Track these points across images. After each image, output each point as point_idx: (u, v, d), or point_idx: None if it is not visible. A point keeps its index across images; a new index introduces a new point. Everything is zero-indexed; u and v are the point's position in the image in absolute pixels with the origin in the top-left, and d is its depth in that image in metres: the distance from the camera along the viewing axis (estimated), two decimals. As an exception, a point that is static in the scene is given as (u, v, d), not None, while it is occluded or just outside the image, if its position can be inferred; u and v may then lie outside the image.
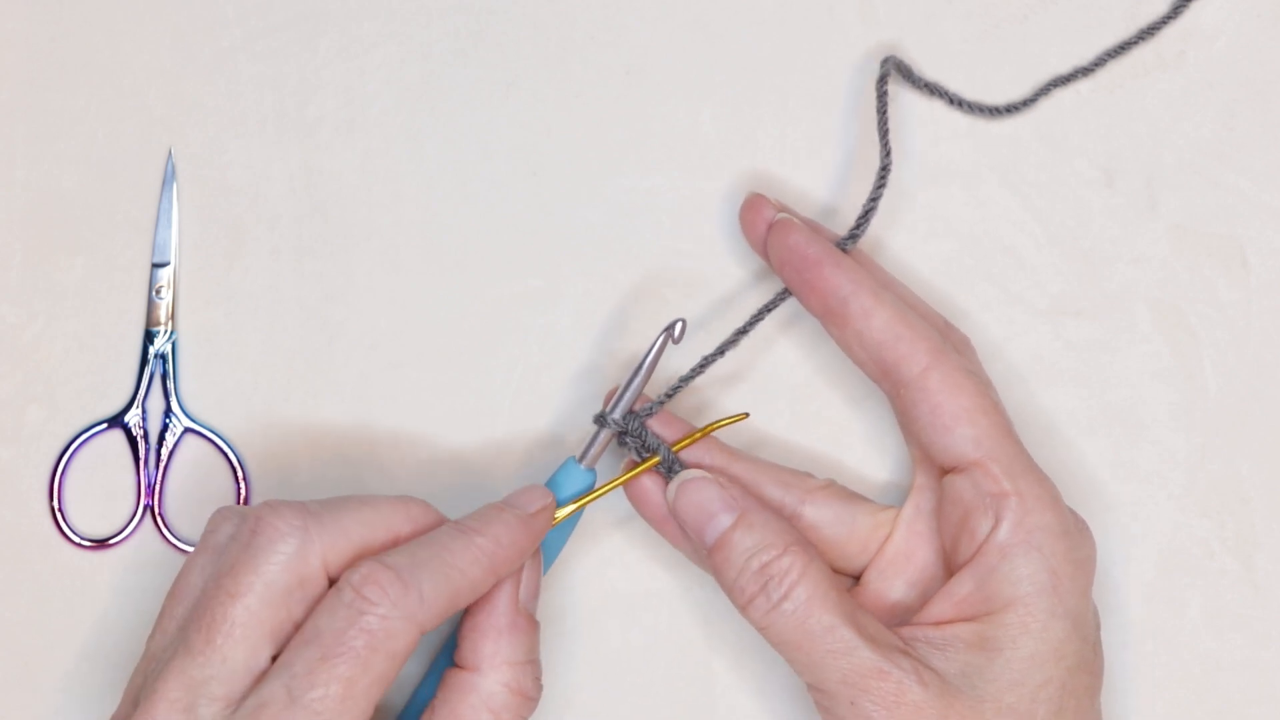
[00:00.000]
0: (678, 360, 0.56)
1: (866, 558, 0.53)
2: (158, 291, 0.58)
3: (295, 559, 0.47)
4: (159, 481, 0.57)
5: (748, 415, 0.55)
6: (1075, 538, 0.50)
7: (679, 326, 0.53)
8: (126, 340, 0.58)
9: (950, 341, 0.53)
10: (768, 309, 0.55)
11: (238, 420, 0.57)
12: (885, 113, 0.55)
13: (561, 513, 0.52)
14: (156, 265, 0.58)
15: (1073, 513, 0.51)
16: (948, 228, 0.58)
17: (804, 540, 0.51)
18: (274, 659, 0.46)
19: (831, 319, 0.52)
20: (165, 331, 0.57)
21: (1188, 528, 0.57)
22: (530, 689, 0.50)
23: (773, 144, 0.58)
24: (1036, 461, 0.52)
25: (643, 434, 0.53)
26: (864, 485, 0.56)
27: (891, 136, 0.55)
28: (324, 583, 0.47)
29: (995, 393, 0.53)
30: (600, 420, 0.53)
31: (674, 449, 0.53)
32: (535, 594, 0.51)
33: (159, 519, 0.57)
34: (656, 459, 0.53)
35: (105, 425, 0.57)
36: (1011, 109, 0.58)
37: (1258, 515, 0.57)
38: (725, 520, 0.51)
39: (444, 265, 0.58)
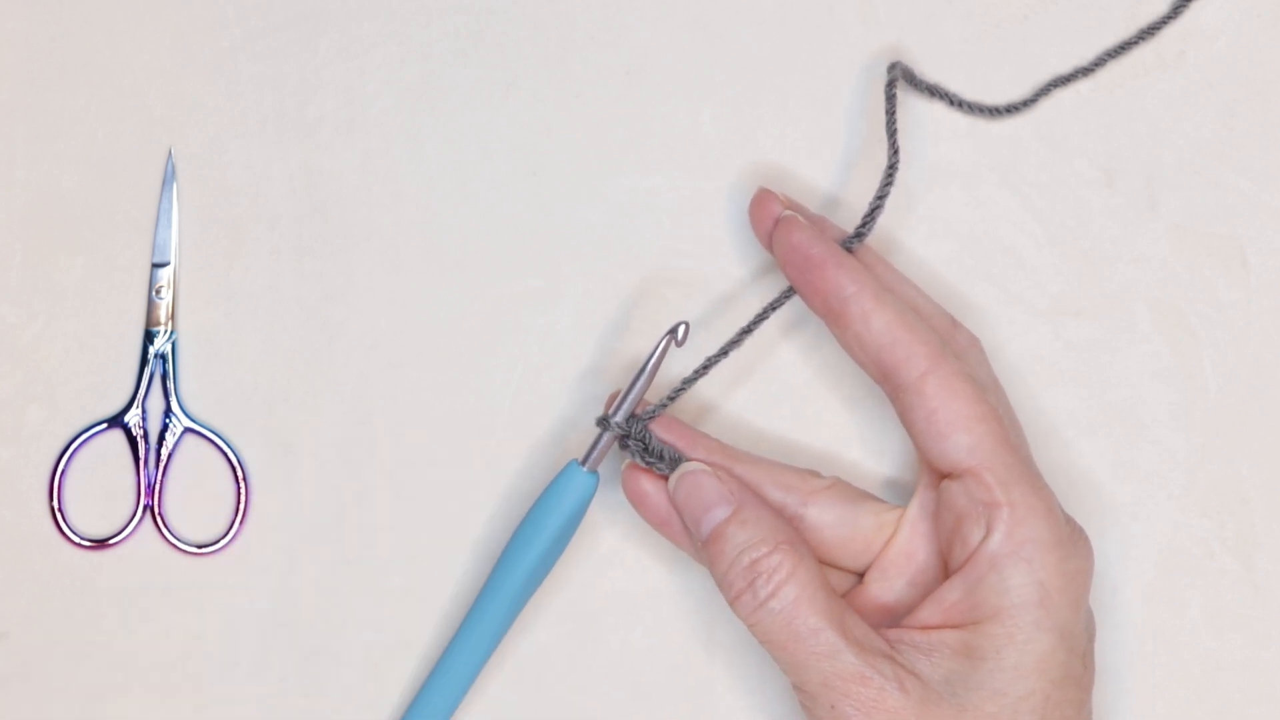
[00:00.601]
0: (680, 361, 0.55)
1: (870, 556, 0.53)
2: (158, 291, 0.58)
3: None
4: (159, 481, 0.57)
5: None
6: (1068, 549, 0.50)
7: (682, 329, 0.53)
8: (126, 340, 0.58)
9: (955, 344, 0.53)
10: (772, 307, 0.55)
11: (238, 420, 0.57)
12: (894, 114, 0.55)
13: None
14: (156, 265, 0.58)
15: (1069, 522, 0.51)
16: (948, 228, 0.58)
17: (796, 539, 0.51)
18: None
19: (833, 320, 0.52)
20: (165, 331, 0.57)
21: (1188, 528, 0.57)
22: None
23: (773, 144, 0.58)
24: (1037, 463, 0.52)
25: (646, 438, 0.53)
26: (866, 484, 0.56)
27: (897, 138, 0.55)
28: None
29: (1003, 395, 0.53)
30: (603, 423, 0.53)
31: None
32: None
33: (159, 519, 0.57)
34: None
35: (105, 425, 0.57)
36: (1011, 109, 0.58)
37: (1258, 515, 0.57)
38: (720, 513, 0.51)
39: (444, 265, 0.58)
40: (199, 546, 0.57)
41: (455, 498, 0.57)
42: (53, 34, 0.59)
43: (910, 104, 0.58)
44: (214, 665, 0.57)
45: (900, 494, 0.57)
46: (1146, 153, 0.58)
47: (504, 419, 0.57)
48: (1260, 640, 0.57)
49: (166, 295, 0.58)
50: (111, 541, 0.57)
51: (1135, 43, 0.58)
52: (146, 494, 0.57)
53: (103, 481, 0.57)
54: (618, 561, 0.57)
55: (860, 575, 0.54)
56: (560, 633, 0.57)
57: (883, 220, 0.54)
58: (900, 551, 0.53)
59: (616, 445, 0.54)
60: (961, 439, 0.50)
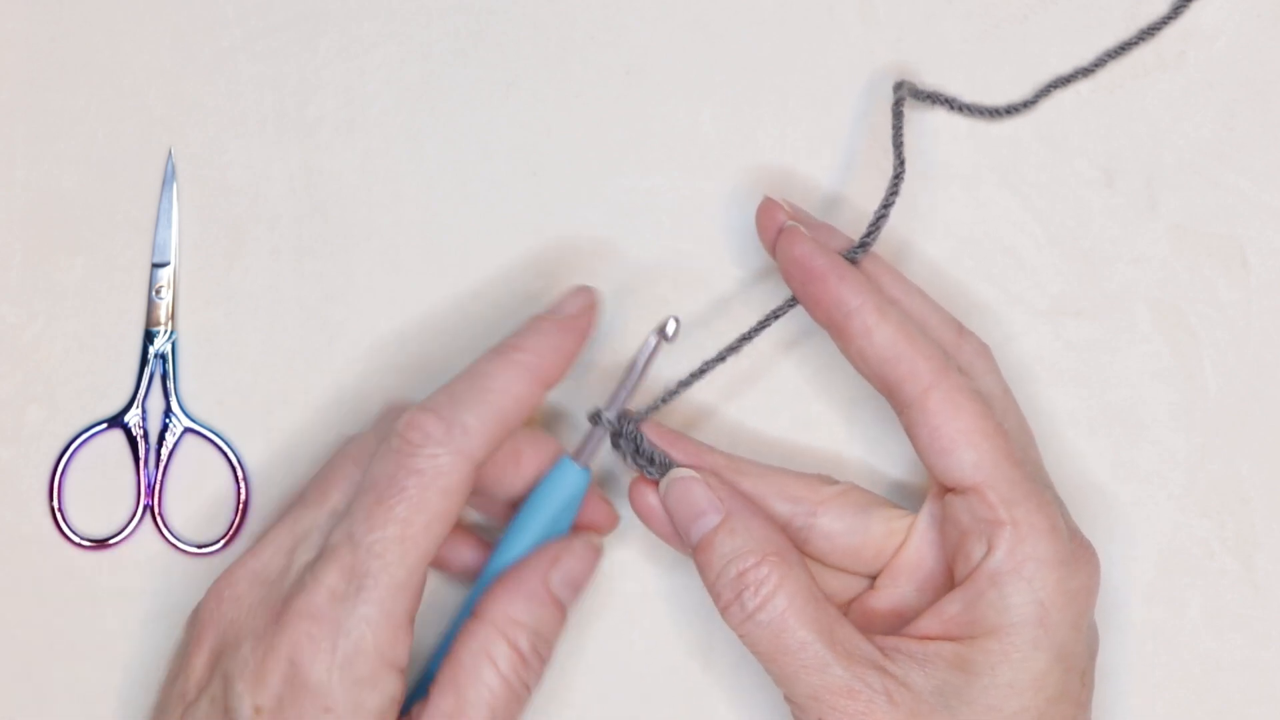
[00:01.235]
0: (679, 362, 0.55)
1: (882, 562, 0.53)
2: (158, 291, 0.58)
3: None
4: (159, 481, 0.57)
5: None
6: (1071, 567, 0.50)
7: (671, 325, 0.53)
8: (126, 340, 0.58)
9: (962, 354, 0.53)
10: (775, 315, 0.54)
11: (238, 420, 0.57)
12: (900, 129, 0.55)
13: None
14: (156, 265, 0.58)
15: (1074, 538, 0.51)
16: (948, 229, 0.58)
17: (787, 548, 0.51)
18: None
19: (836, 333, 0.52)
20: (165, 331, 0.57)
21: (1188, 528, 0.57)
22: (529, 654, 0.50)
23: (773, 144, 0.58)
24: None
25: (637, 438, 0.53)
26: (875, 486, 0.56)
27: (903, 150, 0.55)
28: None
29: (1013, 402, 0.53)
30: (595, 418, 0.53)
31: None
32: (572, 583, 0.52)
33: (159, 519, 0.57)
34: None
35: (105, 425, 0.57)
36: (1011, 110, 0.58)
37: (1258, 515, 0.57)
38: (709, 521, 0.51)
39: (444, 265, 0.58)
40: (199, 546, 0.57)
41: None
42: (53, 34, 0.59)
43: (909, 105, 0.58)
44: (214, 665, 0.57)
45: (908, 497, 0.57)
46: (1146, 153, 0.58)
47: (504, 419, 0.57)
48: (1260, 640, 0.57)
49: (166, 295, 0.58)
50: (111, 541, 0.57)
51: (1135, 43, 0.58)
52: (146, 494, 0.57)
53: (103, 481, 0.57)
54: (618, 561, 0.57)
55: (872, 579, 0.54)
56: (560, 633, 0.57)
57: (890, 224, 0.54)
58: (910, 559, 0.53)
59: (610, 445, 0.54)
60: (965, 455, 0.50)
